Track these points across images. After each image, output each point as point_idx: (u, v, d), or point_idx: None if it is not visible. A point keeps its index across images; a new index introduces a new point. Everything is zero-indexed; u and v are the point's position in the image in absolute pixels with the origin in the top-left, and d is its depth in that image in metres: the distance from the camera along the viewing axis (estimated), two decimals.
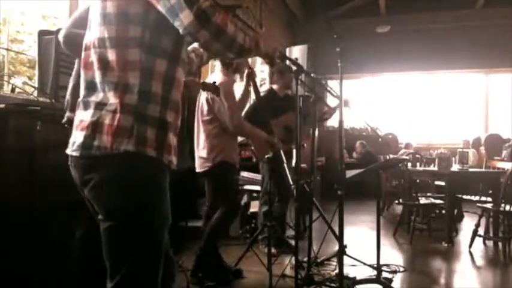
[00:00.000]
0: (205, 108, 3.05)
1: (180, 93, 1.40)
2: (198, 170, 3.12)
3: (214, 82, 2.98)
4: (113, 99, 1.28)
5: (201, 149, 3.09)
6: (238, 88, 3.36)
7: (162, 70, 1.32)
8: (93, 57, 1.34)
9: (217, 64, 3.25)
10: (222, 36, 1.29)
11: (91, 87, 1.33)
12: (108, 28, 1.30)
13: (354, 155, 8.56)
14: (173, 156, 1.37)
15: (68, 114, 2.21)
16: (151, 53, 1.29)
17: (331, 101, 3.75)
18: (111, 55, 1.29)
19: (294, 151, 2.88)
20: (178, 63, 1.37)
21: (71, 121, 1.54)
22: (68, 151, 1.34)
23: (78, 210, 2.04)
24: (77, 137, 1.31)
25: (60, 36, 1.75)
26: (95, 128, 1.27)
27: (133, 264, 1.27)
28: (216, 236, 3.08)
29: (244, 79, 3.33)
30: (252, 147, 3.69)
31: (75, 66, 2.21)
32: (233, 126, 2.99)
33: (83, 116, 1.33)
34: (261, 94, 3.70)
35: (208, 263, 3.09)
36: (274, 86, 4.21)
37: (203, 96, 3.08)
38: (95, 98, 1.31)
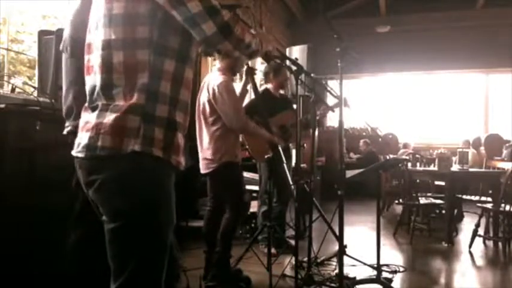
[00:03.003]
0: (208, 109, 3.03)
1: (189, 94, 1.40)
2: (203, 171, 3.11)
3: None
4: (119, 100, 1.27)
5: (205, 150, 3.06)
6: (238, 87, 3.35)
7: (171, 70, 1.31)
8: (97, 60, 1.32)
9: (215, 63, 3.25)
10: (241, 45, 1.38)
11: (95, 91, 1.33)
12: (115, 29, 1.29)
13: (352, 155, 8.56)
14: (182, 157, 1.36)
15: (72, 122, 2.00)
16: (160, 53, 1.29)
17: (331, 101, 3.74)
18: (118, 57, 1.28)
19: (294, 151, 2.88)
20: (187, 63, 1.36)
21: (75, 129, 1.48)
22: (73, 152, 1.34)
23: (74, 211, 2.04)
24: (82, 138, 1.31)
25: (66, 42, 1.66)
26: (100, 128, 1.26)
27: (137, 265, 1.27)
28: (229, 242, 3.06)
29: (244, 76, 3.32)
30: (247, 146, 3.68)
31: (72, 70, 2.06)
32: (238, 125, 2.97)
33: (88, 118, 1.32)
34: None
35: (210, 263, 3.09)
36: (269, 86, 4.22)
37: (204, 97, 3.06)
38: (101, 100, 1.30)
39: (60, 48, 2.04)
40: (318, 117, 3.90)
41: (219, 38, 1.31)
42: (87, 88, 1.37)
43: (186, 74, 1.36)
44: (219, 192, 3.14)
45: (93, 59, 1.35)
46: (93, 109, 1.32)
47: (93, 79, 1.34)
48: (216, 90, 2.95)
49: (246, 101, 3.63)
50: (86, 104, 1.37)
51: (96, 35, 1.34)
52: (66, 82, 2.10)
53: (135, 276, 1.27)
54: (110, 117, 1.26)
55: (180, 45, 1.33)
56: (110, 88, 1.29)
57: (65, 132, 2.03)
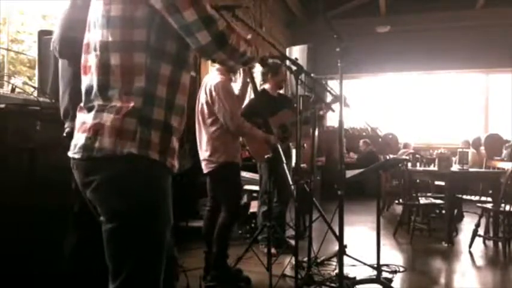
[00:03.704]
0: (206, 110, 3.04)
1: (186, 98, 1.40)
2: (204, 171, 3.13)
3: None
4: (116, 102, 1.27)
5: (204, 151, 3.08)
6: (237, 87, 3.35)
7: (167, 74, 1.32)
8: (94, 61, 1.33)
9: (215, 64, 3.25)
10: (235, 55, 1.37)
11: (92, 91, 1.33)
12: (112, 32, 1.29)
13: (352, 155, 8.55)
14: (176, 160, 1.38)
15: (70, 123, 2.00)
16: (157, 56, 1.29)
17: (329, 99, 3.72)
18: (115, 59, 1.29)
19: (294, 151, 2.87)
20: (183, 67, 1.37)
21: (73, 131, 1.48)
22: (70, 153, 1.34)
23: (72, 212, 2.04)
24: (78, 139, 1.31)
25: (55, 42, 1.66)
26: (97, 130, 1.26)
27: (135, 265, 1.27)
28: (224, 243, 3.07)
29: (242, 76, 3.32)
30: (248, 148, 3.68)
31: (67, 71, 2.07)
32: (234, 127, 2.98)
33: (84, 119, 1.32)
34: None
35: (210, 263, 3.09)
36: (266, 86, 4.21)
37: (202, 98, 3.07)
38: (98, 101, 1.31)
39: (51, 48, 2.04)
40: (322, 112, 3.89)
41: (214, 48, 1.31)
42: (84, 88, 1.37)
43: (183, 79, 1.37)
44: (217, 192, 3.15)
45: (91, 59, 1.35)
46: (89, 109, 1.32)
47: (89, 79, 1.34)
48: (213, 91, 2.96)
49: (246, 101, 3.63)
50: (82, 104, 1.37)
51: (94, 35, 1.34)
52: (62, 84, 2.11)
53: (133, 277, 1.27)
54: (107, 119, 1.26)
55: (177, 50, 1.33)
56: (106, 89, 1.30)
57: (64, 134, 2.03)
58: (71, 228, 2.09)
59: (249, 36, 1.50)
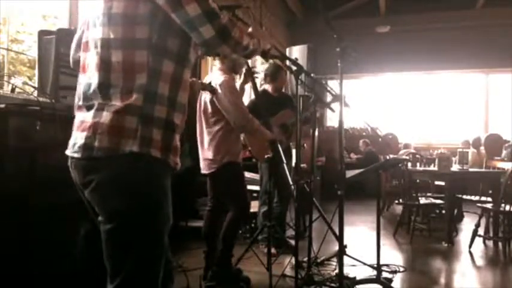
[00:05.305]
0: (210, 109, 3.02)
1: (187, 95, 1.40)
2: (204, 171, 3.09)
3: (210, 82, 2.98)
4: (116, 100, 1.26)
5: (206, 151, 3.05)
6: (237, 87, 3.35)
7: (170, 71, 1.31)
8: (94, 58, 1.32)
9: (216, 63, 3.25)
10: (239, 48, 1.38)
11: (91, 89, 1.32)
12: (114, 29, 1.28)
13: (352, 155, 8.55)
14: (178, 158, 1.37)
15: None
16: (159, 54, 1.29)
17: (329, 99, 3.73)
18: (116, 56, 1.28)
19: (294, 151, 2.87)
20: (185, 65, 1.37)
21: None
22: (68, 152, 1.33)
23: (82, 208, 2.04)
24: (77, 138, 1.30)
25: (71, 61, 1.74)
26: (97, 128, 1.25)
27: (135, 263, 1.27)
28: (231, 242, 3.04)
29: (242, 76, 3.32)
30: (249, 148, 3.68)
31: None
32: (242, 122, 2.94)
33: (84, 117, 1.31)
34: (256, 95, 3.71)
35: (210, 263, 3.09)
36: (267, 87, 4.26)
37: (207, 97, 3.05)
38: (97, 100, 1.30)
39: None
40: (318, 114, 3.89)
41: (218, 42, 1.31)
42: (82, 86, 1.36)
43: (185, 76, 1.37)
44: (221, 192, 3.13)
45: (90, 57, 1.34)
46: (89, 108, 1.31)
47: (88, 78, 1.34)
48: (219, 89, 2.94)
49: (245, 101, 3.63)
50: (80, 103, 1.36)
51: (94, 34, 1.33)
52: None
53: (133, 276, 1.27)
54: (107, 118, 1.25)
55: (179, 47, 1.33)
56: (107, 87, 1.29)
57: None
58: (81, 219, 2.08)
59: (249, 29, 1.50)
